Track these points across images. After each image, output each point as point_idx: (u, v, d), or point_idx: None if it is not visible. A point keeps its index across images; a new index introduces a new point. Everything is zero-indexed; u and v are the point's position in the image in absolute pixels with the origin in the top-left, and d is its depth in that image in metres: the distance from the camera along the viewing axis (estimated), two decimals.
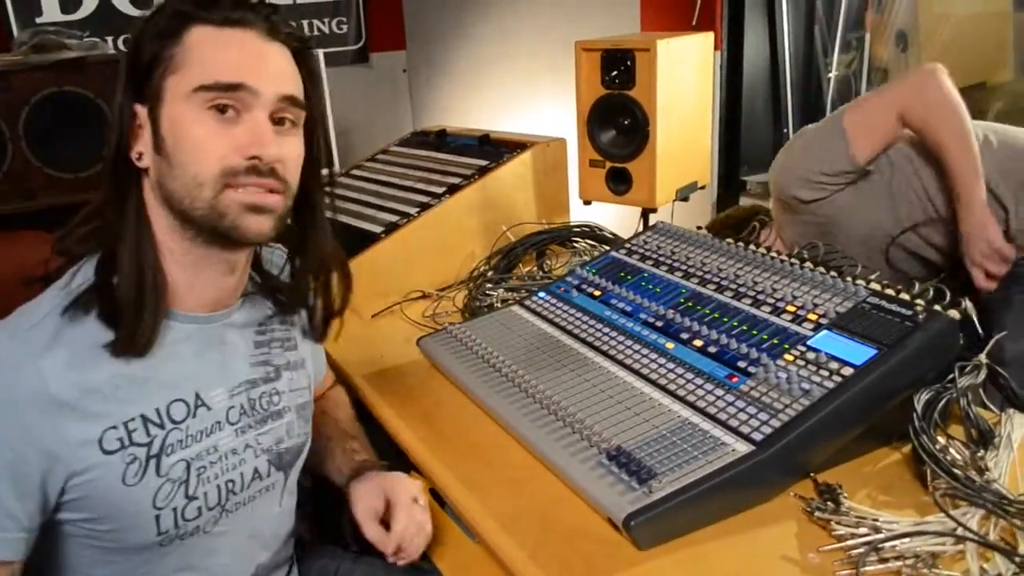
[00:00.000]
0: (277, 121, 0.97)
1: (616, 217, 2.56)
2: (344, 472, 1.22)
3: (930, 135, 1.74)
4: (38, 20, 3.41)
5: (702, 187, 2.45)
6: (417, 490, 1.17)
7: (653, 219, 2.12)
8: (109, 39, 3.54)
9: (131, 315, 0.93)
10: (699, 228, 1.64)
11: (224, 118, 0.93)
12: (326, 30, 4.22)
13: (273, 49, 0.97)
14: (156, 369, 0.96)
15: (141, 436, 0.94)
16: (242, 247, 1.02)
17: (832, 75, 3.04)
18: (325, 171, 1.10)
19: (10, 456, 0.87)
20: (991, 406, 1.21)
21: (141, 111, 0.94)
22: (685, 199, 2.37)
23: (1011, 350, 1.35)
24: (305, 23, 4.11)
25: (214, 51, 0.93)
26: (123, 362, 0.93)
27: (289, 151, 0.98)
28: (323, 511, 1.32)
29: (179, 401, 0.98)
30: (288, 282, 1.14)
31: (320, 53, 3.54)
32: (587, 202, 2.40)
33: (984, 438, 1.12)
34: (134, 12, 3.65)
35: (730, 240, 1.53)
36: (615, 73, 2.19)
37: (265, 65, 0.95)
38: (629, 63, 2.15)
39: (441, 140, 2.44)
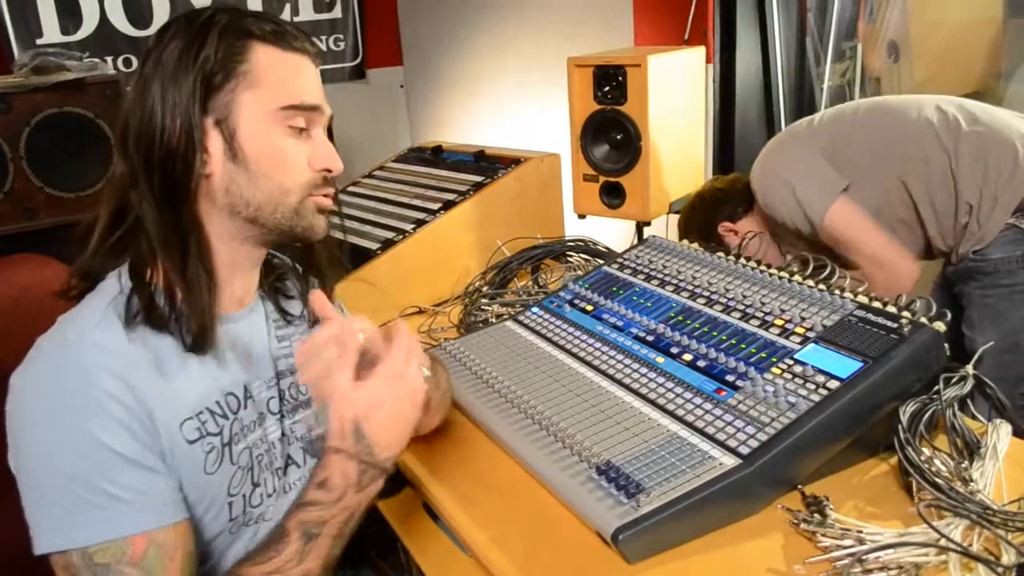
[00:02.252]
0: None
1: (612, 230, 2.58)
2: None
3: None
4: (38, 42, 3.44)
5: None
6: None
7: (648, 232, 2.14)
8: (108, 60, 3.58)
9: (205, 317, 0.99)
10: (691, 242, 1.66)
11: (300, 135, 1.03)
12: (324, 47, 4.25)
13: (317, 71, 1.07)
14: (206, 368, 1.02)
15: (212, 426, 1.01)
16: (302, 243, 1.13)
17: (825, 85, 3.06)
18: None
19: (126, 425, 0.91)
20: (979, 416, 1.23)
21: (206, 121, 0.99)
22: (679, 212, 2.39)
23: (978, 343, 1.37)
24: None
25: (287, 73, 1.02)
26: (180, 364, 0.99)
27: None
28: None
29: (231, 395, 1.05)
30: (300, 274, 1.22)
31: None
32: (582, 216, 2.42)
33: (970, 449, 1.14)
34: (133, 32, 3.68)
35: (721, 254, 1.54)
36: (607, 88, 2.21)
37: (320, 87, 1.07)
38: (621, 78, 2.17)
39: (437, 156, 2.46)
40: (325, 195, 1.07)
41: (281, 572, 0.92)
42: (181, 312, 0.98)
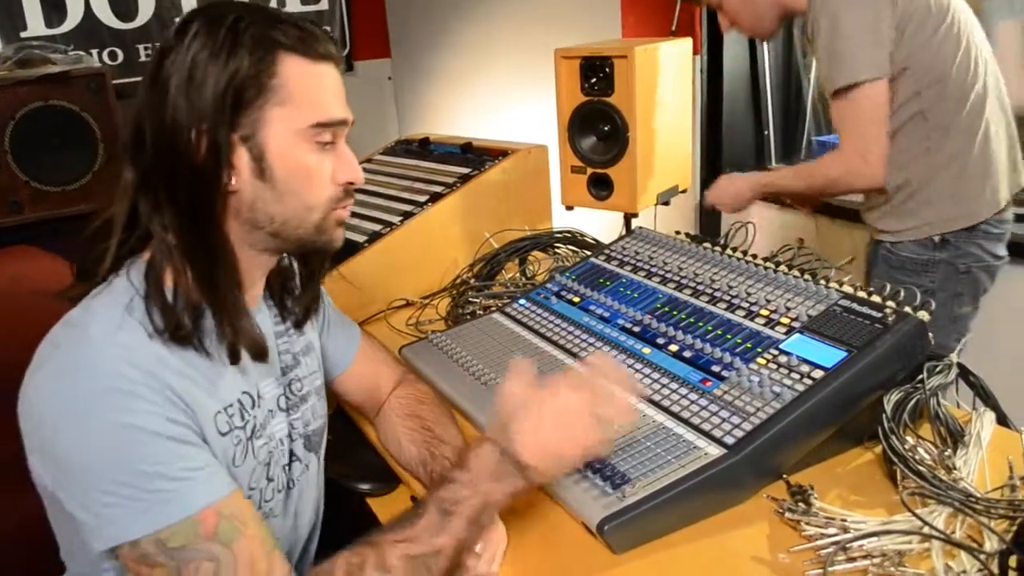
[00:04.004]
0: None
1: (600, 222, 2.58)
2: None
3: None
4: (23, 35, 3.42)
5: (683, 191, 2.47)
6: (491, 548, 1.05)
7: (636, 224, 2.14)
8: (94, 52, 3.56)
9: (236, 333, 0.98)
10: (677, 233, 1.66)
11: (325, 148, 1.00)
12: None
13: (342, 79, 1.04)
14: (224, 367, 1.00)
15: (238, 420, 1.01)
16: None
17: (812, 76, 3.06)
18: None
19: (162, 409, 0.90)
20: (964, 404, 1.24)
21: (234, 137, 0.95)
22: (666, 203, 2.39)
23: None
24: None
25: (317, 88, 0.99)
26: (207, 363, 0.97)
27: None
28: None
29: (246, 394, 1.04)
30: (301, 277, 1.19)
31: None
32: (569, 208, 2.41)
33: (954, 437, 1.14)
34: (119, 25, 3.65)
35: (707, 244, 1.55)
36: (594, 80, 2.20)
37: (344, 98, 1.03)
38: (608, 70, 2.16)
39: (424, 148, 2.45)
40: (344, 207, 1.05)
41: (413, 541, 0.92)
42: (206, 328, 0.97)
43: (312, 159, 0.99)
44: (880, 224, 1.95)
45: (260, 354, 1.03)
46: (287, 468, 1.12)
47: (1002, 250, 1.93)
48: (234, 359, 0.99)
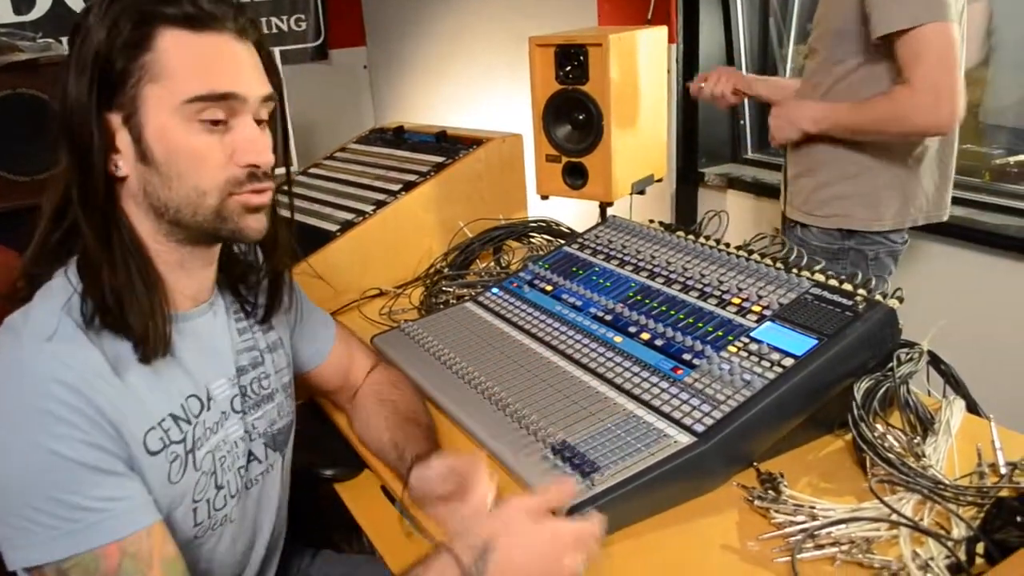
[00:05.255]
0: (258, 122, 0.97)
1: (576, 211, 2.57)
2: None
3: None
4: None
5: (658, 180, 2.47)
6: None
7: (611, 212, 2.13)
8: (63, 40, 3.50)
9: (146, 320, 0.92)
10: (651, 221, 1.65)
11: (216, 127, 0.92)
12: (284, 28, 4.19)
13: (246, 50, 0.95)
14: (167, 370, 0.96)
15: (175, 434, 0.96)
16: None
17: (788, 67, 3.07)
18: (281, 170, 1.06)
19: (87, 435, 0.85)
20: (934, 392, 1.24)
21: (114, 119, 0.91)
22: (641, 192, 2.39)
23: None
24: (263, 21, 4.07)
25: (195, 59, 0.91)
26: (142, 367, 0.93)
27: (271, 149, 0.98)
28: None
29: (193, 397, 1.00)
30: (255, 266, 1.14)
31: (277, 51, 3.53)
32: (545, 197, 2.40)
33: (923, 424, 1.15)
34: None
35: (680, 233, 1.54)
36: (569, 68, 2.19)
37: (245, 70, 0.95)
38: (582, 58, 2.15)
39: (399, 137, 2.43)
40: (254, 191, 0.96)
41: None
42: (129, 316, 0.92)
43: (197, 139, 0.91)
44: (793, 200, 1.99)
45: (147, 354, 0.93)
46: (243, 470, 1.07)
47: (904, 236, 1.97)
48: (145, 355, 0.93)
